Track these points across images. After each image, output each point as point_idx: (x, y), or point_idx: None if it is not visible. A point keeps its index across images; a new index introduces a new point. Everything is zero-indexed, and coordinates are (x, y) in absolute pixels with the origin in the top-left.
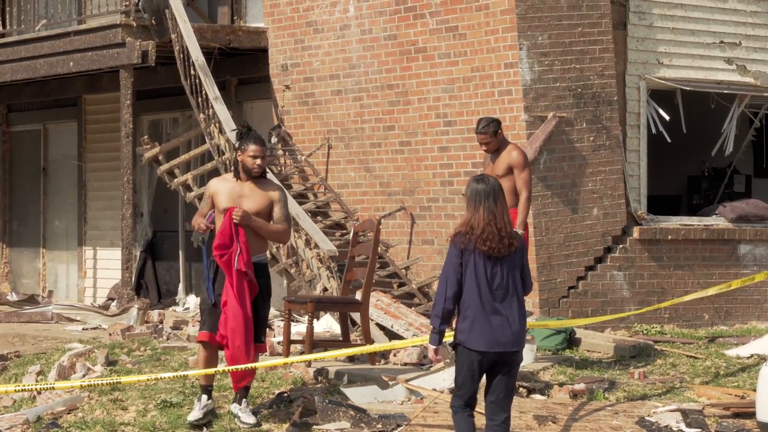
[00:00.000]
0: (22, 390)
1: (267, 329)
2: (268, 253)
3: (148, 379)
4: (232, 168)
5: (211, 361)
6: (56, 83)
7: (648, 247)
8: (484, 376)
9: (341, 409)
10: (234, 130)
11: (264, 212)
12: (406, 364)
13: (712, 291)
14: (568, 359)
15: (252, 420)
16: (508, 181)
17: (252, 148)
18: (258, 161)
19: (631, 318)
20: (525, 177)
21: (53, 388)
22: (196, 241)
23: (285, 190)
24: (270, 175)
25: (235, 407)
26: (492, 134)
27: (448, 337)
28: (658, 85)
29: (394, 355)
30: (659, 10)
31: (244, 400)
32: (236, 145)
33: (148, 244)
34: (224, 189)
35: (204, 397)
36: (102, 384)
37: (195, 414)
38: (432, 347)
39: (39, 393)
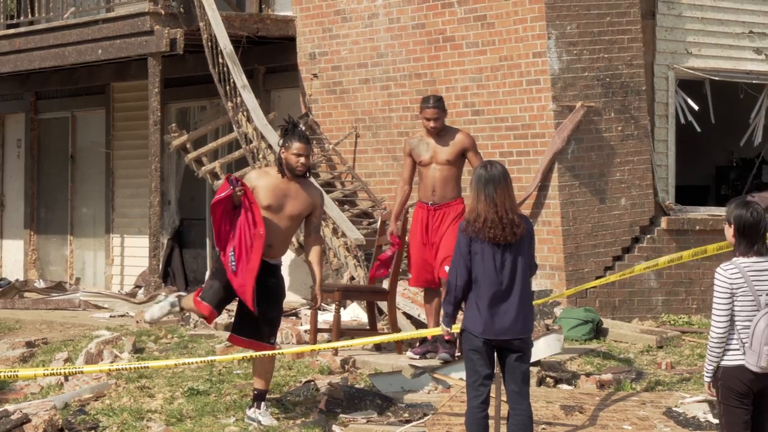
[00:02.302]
0: (51, 374)
1: (277, 331)
2: (295, 240)
3: (176, 364)
4: (278, 164)
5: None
6: (84, 71)
7: (675, 238)
8: (498, 366)
9: (368, 398)
10: (280, 126)
11: (303, 215)
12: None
13: (662, 262)
14: (595, 349)
15: (272, 421)
16: (456, 169)
17: (296, 146)
18: (302, 159)
19: (658, 308)
20: (480, 157)
21: (82, 372)
22: (237, 199)
23: (324, 194)
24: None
25: (253, 412)
26: (442, 110)
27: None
28: (687, 75)
29: (421, 344)
30: None
31: (263, 403)
32: (279, 142)
33: (176, 232)
34: (266, 184)
35: (263, 404)
36: (130, 368)
37: (269, 419)
38: (445, 329)
39: (66, 380)
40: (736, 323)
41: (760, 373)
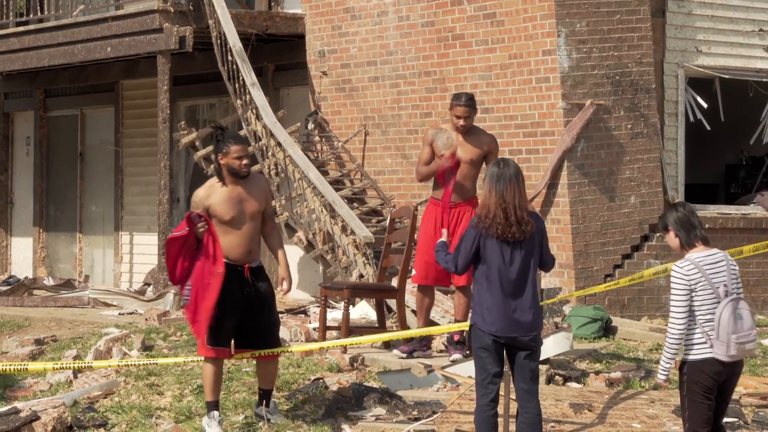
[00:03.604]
0: (61, 368)
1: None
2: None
3: (184, 361)
4: (217, 174)
5: (220, 375)
6: (93, 68)
7: None
8: (507, 364)
9: (376, 396)
10: (209, 133)
11: (262, 208)
12: (441, 351)
13: (651, 271)
14: (605, 347)
15: (282, 419)
16: (476, 169)
17: (234, 149)
18: (244, 161)
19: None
20: None
21: (91, 367)
22: (200, 235)
23: (266, 177)
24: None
25: (261, 410)
26: (473, 108)
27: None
28: (697, 73)
29: (408, 342)
30: None
31: (273, 401)
32: (214, 149)
33: None
34: (219, 199)
35: (215, 413)
36: (139, 364)
37: (278, 417)
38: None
39: (75, 377)
40: (698, 317)
41: (729, 362)
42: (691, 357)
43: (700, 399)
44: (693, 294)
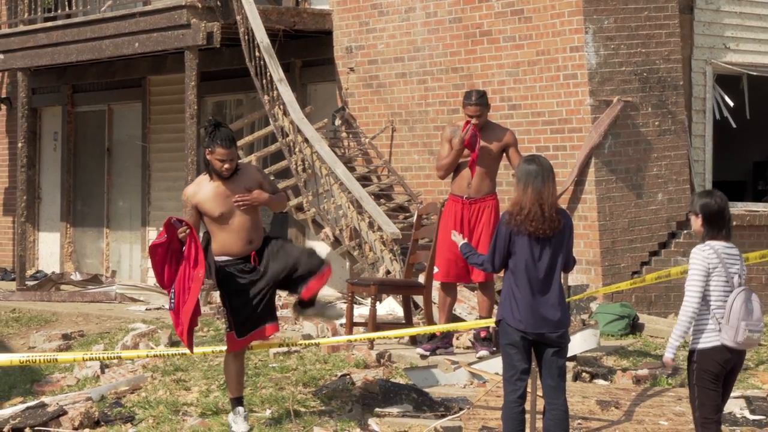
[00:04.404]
0: (90, 358)
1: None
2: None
3: (213, 351)
4: (206, 167)
5: (242, 370)
6: (121, 64)
7: None
8: (535, 361)
9: (403, 392)
10: (202, 126)
11: None
12: (468, 347)
13: (678, 269)
14: (632, 345)
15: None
16: (495, 164)
17: (219, 151)
18: (226, 165)
19: None
20: (521, 154)
21: (120, 358)
22: (183, 239)
23: (257, 166)
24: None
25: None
26: (485, 106)
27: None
28: (724, 70)
29: (457, 338)
30: None
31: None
32: (204, 143)
33: None
34: (207, 195)
35: (240, 409)
36: (167, 355)
37: (243, 427)
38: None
39: (103, 372)
40: (711, 302)
41: (736, 349)
42: (700, 345)
43: (710, 386)
44: (708, 278)
